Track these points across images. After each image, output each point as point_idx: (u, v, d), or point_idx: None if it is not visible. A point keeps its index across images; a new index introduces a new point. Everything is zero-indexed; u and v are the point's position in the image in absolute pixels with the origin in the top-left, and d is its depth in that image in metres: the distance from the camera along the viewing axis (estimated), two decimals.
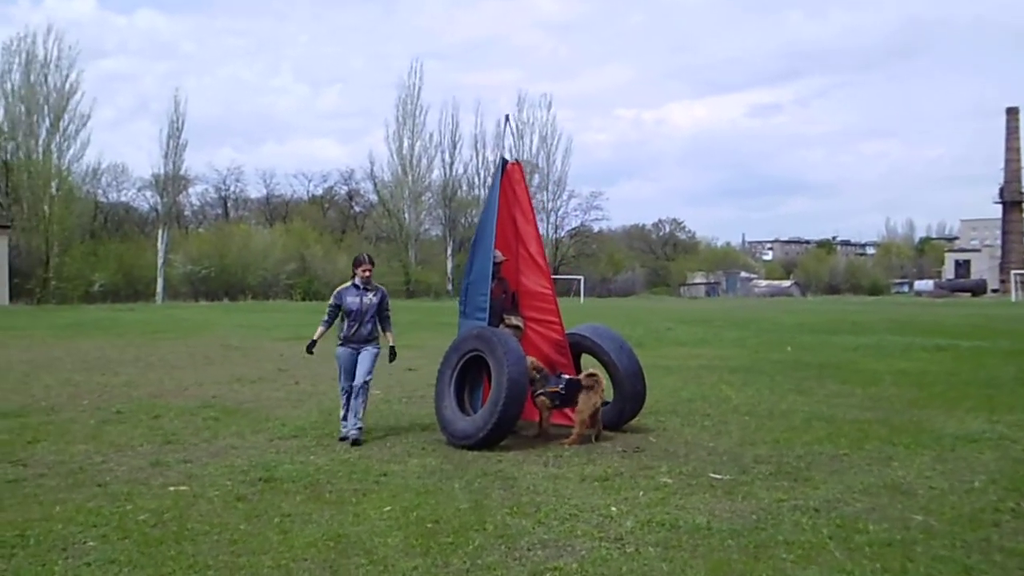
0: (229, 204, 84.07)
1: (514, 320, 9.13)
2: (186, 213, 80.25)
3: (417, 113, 69.10)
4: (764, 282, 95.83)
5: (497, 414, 7.94)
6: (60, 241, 56.21)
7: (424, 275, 67.75)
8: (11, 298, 46.24)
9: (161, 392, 12.29)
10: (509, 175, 9.34)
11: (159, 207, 65.28)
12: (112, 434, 8.95)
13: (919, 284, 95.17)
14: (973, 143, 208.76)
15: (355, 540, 5.28)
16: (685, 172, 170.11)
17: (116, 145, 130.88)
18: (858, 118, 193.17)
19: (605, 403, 8.75)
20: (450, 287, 68.47)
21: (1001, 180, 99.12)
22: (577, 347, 9.45)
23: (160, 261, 60.61)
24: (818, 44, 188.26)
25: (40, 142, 56.36)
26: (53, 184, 55.53)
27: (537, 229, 9.59)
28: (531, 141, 76.18)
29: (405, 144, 68.81)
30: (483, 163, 74.40)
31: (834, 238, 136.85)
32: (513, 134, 12.49)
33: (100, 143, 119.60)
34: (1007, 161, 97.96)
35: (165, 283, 60.72)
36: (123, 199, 75.22)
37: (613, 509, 6.04)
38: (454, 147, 72.07)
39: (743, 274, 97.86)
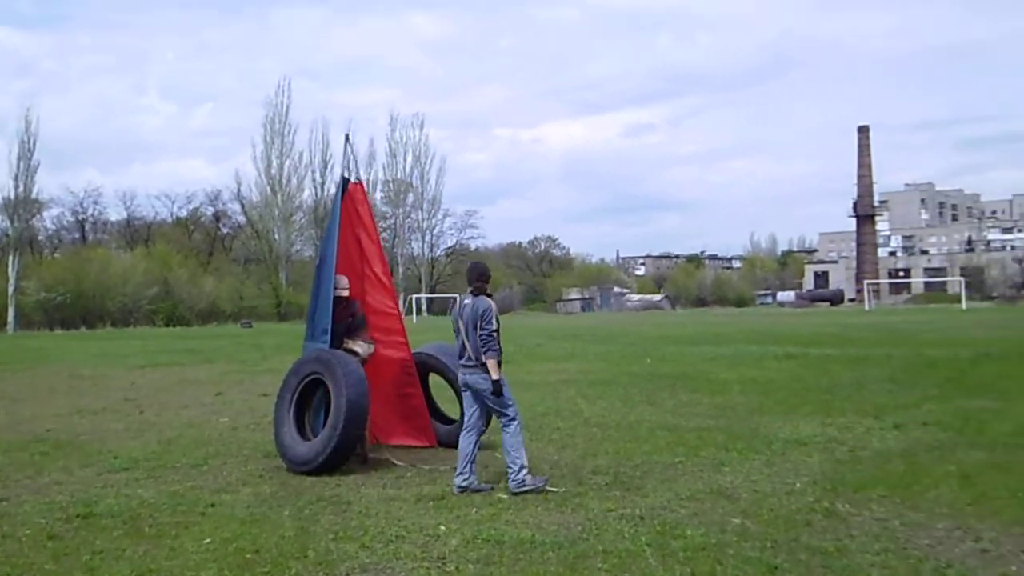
0: (87, 228, 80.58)
1: (351, 344, 8.95)
2: (40, 238, 76.47)
3: (286, 132, 68.16)
4: (636, 296, 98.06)
5: (336, 438, 7.81)
6: None
7: (296, 297, 66.46)
8: None
9: None
10: (351, 195, 9.25)
11: (9, 231, 61.93)
12: None
13: (781, 295, 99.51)
14: (833, 160, 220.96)
15: (165, 575, 5.07)
16: (562, 190, 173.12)
17: None
18: (727, 137, 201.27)
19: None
20: None
21: (855, 195, 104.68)
22: (424, 366, 9.41)
23: (11, 288, 57.53)
24: (689, 65, 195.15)
25: None
26: None
27: (381, 248, 9.53)
28: (404, 160, 76.18)
29: (274, 164, 67.66)
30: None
31: (702, 253, 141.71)
32: (354, 154, 12.62)
33: None
34: (859, 176, 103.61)
35: (17, 311, 57.65)
36: None
37: (442, 528, 6.02)
38: (325, 166, 71.22)
39: (616, 289, 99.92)
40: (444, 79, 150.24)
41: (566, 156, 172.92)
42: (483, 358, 7.19)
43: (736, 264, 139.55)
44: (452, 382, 9.22)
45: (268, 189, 67.84)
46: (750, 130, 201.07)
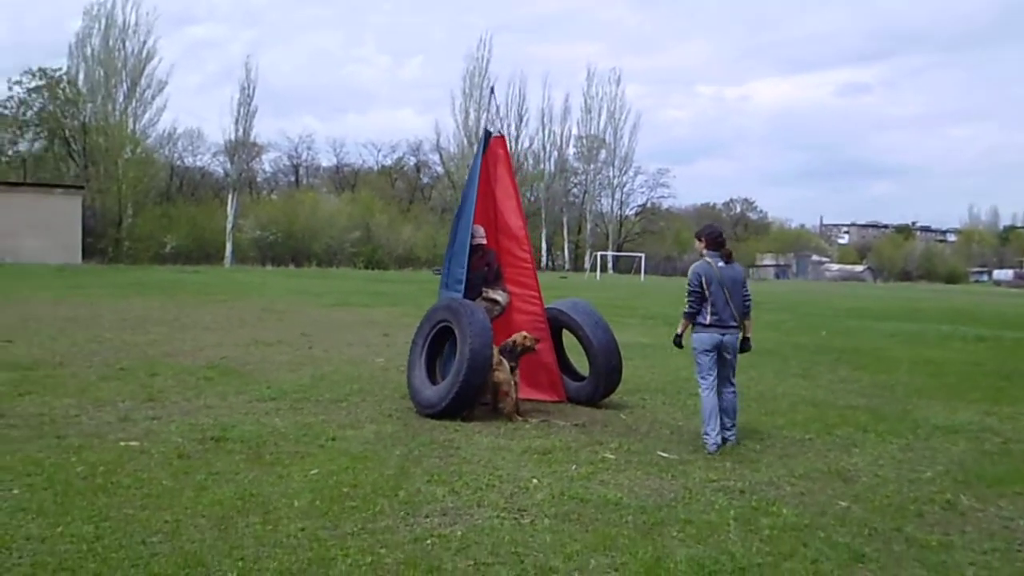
0: (301, 172, 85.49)
1: (492, 294, 9.16)
2: (259, 179, 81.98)
3: (484, 85, 69.17)
4: (836, 266, 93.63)
5: (458, 385, 8.01)
6: (133, 203, 58.07)
7: None
8: (84, 257, 47.80)
9: (176, 352, 12.63)
10: (492, 149, 9.35)
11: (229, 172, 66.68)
12: (103, 389, 9.26)
13: (998, 273, 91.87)
14: None
15: (262, 500, 5.41)
16: (765, 151, 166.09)
17: (200, 110, 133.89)
18: (948, 100, 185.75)
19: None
20: None
21: None
22: (555, 322, 9.45)
23: (229, 226, 62.06)
24: (912, 22, 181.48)
25: (117, 106, 58.08)
26: (127, 147, 57.18)
27: (519, 202, 9.60)
28: (599, 116, 75.76)
29: (471, 117, 69.05)
30: (549, 136, 74.29)
31: (913, 223, 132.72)
32: (498, 106, 12.51)
33: (187, 108, 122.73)
34: None
35: (234, 247, 62.18)
36: (199, 164, 77.09)
37: (535, 481, 6.08)
38: (520, 120, 72.06)
39: (814, 257, 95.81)
40: (649, 34, 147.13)
41: (772, 116, 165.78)
42: (743, 319, 7.65)
43: (951, 237, 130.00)
44: (581, 339, 9.24)
45: (465, 141, 69.44)
46: (974, 94, 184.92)
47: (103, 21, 58.12)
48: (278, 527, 4.93)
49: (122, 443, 6.84)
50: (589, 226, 75.59)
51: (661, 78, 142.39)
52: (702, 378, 7.66)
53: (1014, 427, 8.83)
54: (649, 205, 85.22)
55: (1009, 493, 6.31)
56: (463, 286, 8.90)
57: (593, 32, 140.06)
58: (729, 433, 7.70)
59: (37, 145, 61.68)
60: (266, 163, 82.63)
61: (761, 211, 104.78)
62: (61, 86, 58.75)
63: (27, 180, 52.25)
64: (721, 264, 7.60)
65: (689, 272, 7.69)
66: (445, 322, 8.54)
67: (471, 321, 8.15)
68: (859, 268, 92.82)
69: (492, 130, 9.39)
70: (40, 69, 58.33)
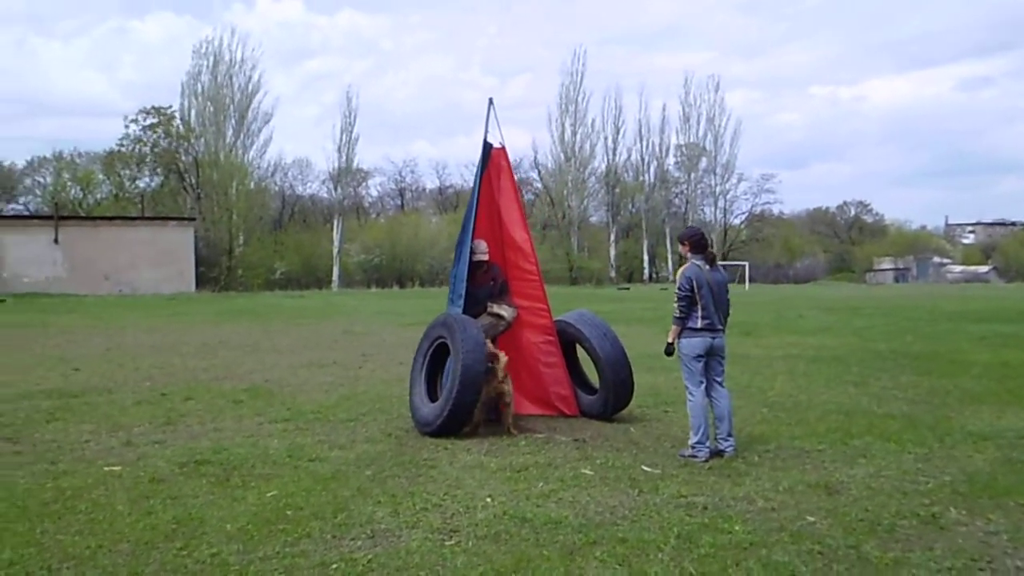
0: (406, 195, 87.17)
1: (496, 308, 9.02)
2: (366, 204, 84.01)
3: (580, 100, 69.10)
4: (958, 267, 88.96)
5: (451, 402, 7.89)
6: (244, 231, 60.35)
7: (587, 262, 67.78)
8: (197, 286, 49.83)
9: (227, 375, 12.92)
10: (494, 160, 9.23)
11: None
12: (130, 415, 9.51)
13: None
14: None
15: (197, 524, 5.39)
16: (883, 152, 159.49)
17: (319, 140, 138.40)
18: None
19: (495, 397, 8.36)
20: (613, 274, 68.22)
21: None
22: (563, 335, 9.22)
23: (336, 250, 63.71)
24: None
25: (226, 139, 60.55)
26: (236, 179, 59.50)
27: (523, 214, 9.44)
28: (697, 124, 74.53)
29: (567, 131, 69.01)
30: (648, 147, 73.51)
31: None
32: (497, 117, 12.36)
33: (308, 138, 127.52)
34: None
35: (341, 271, 63.77)
36: (309, 191, 79.55)
37: (488, 500, 5.90)
38: (617, 132, 71.59)
39: (935, 259, 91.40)
40: (756, 38, 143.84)
41: (890, 115, 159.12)
42: (725, 323, 7.61)
43: None
44: (589, 351, 9.00)
45: (562, 156, 69.47)
46: None
47: (211, 59, 60.79)
48: (193, 552, 4.90)
49: (106, 468, 6.97)
50: None
51: (772, 82, 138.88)
52: (693, 385, 7.41)
53: None
54: (758, 212, 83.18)
55: (1010, 505, 5.80)
56: (463, 301, 8.79)
57: (700, 41, 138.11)
58: (726, 444, 7.37)
59: (155, 181, 65.02)
60: (372, 188, 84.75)
61: (877, 213, 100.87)
62: (174, 123, 61.72)
63: (144, 215, 54.90)
64: (706, 267, 7.42)
65: (679, 277, 7.50)
66: (442, 339, 8.45)
67: (464, 337, 8.02)
68: (983, 269, 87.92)
69: (493, 142, 9.25)
70: (154, 107, 61.47)
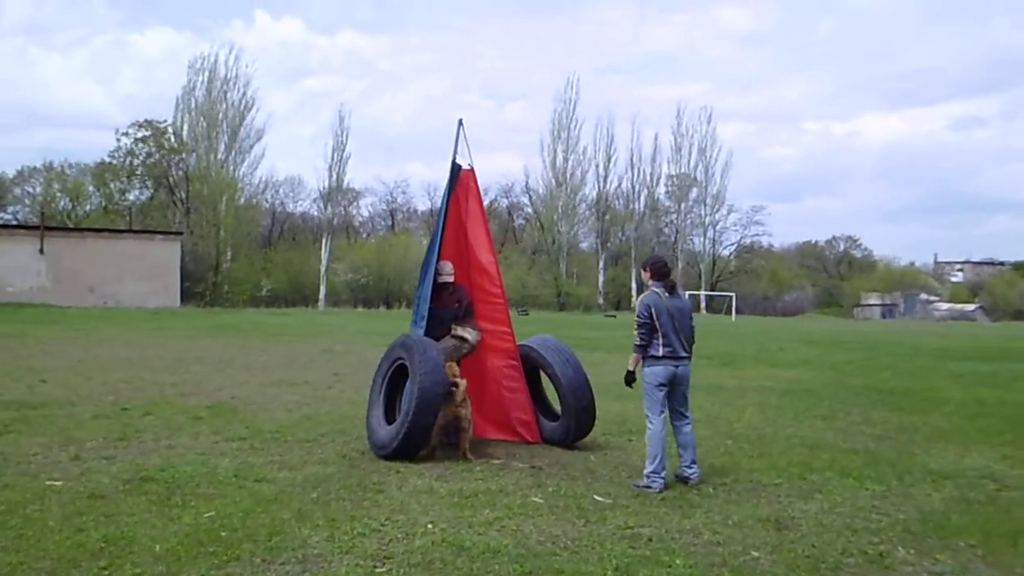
0: (397, 216, 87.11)
1: (460, 331, 8.91)
2: (356, 223, 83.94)
3: (572, 127, 69.37)
4: (945, 305, 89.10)
5: (407, 424, 7.76)
6: (232, 247, 60.20)
7: (576, 288, 67.75)
8: (182, 300, 49.59)
9: (194, 391, 12.75)
10: (462, 182, 9.16)
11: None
12: (85, 429, 9.32)
13: None
14: None
15: (125, 544, 5.23)
16: (875, 188, 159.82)
17: (312, 158, 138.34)
18: None
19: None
20: (601, 300, 68.18)
21: None
22: (525, 360, 9.12)
23: (323, 269, 63.55)
24: None
25: (218, 155, 60.53)
26: (226, 194, 59.41)
27: (490, 237, 9.36)
28: (689, 154, 74.82)
29: (559, 157, 69.20)
30: (639, 176, 73.74)
31: None
32: (467, 139, 12.26)
33: (302, 156, 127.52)
34: None
35: (328, 290, 63.57)
36: (300, 209, 79.44)
37: (428, 527, 5.77)
38: (608, 160, 71.81)
39: (923, 296, 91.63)
40: (753, 71, 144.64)
41: (882, 151, 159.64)
42: (689, 352, 7.47)
43: None
44: (551, 376, 8.90)
45: (553, 182, 69.65)
46: None
47: (206, 74, 60.92)
48: (115, 572, 4.75)
49: (47, 483, 6.81)
50: (681, 265, 74.36)
51: (766, 115, 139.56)
52: (654, 414, 7.30)
53: (1022, 473, 8.03)
54: (747, 243, 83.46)
55: (960, 545, 5.70)
56: (424, 322, 8.69)
57: (695, 72, 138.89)
58: (691, 471, 7.30)
59: (144, 194, 64.87)
60: (364, 208, 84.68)
61: (866, 249, 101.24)
62: (166, 136, 61.66)
63: (131, 228, 54.70)
64: (665, 294, 7.36)
65: (637, 305, 7.48)
66: (402, 360, 8.34)
67: (423, 359, 7.91)
68: (970, 307, 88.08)
69: (462, 163, 9.18)
70: (146, 121, 61.44)
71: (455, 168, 9.11)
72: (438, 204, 9.20)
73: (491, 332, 9.10)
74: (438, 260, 8.90)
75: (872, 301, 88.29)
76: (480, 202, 9.31)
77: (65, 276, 44.04)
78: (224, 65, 60.94)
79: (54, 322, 29.88)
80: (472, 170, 9.23)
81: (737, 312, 61.88)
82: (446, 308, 8.98)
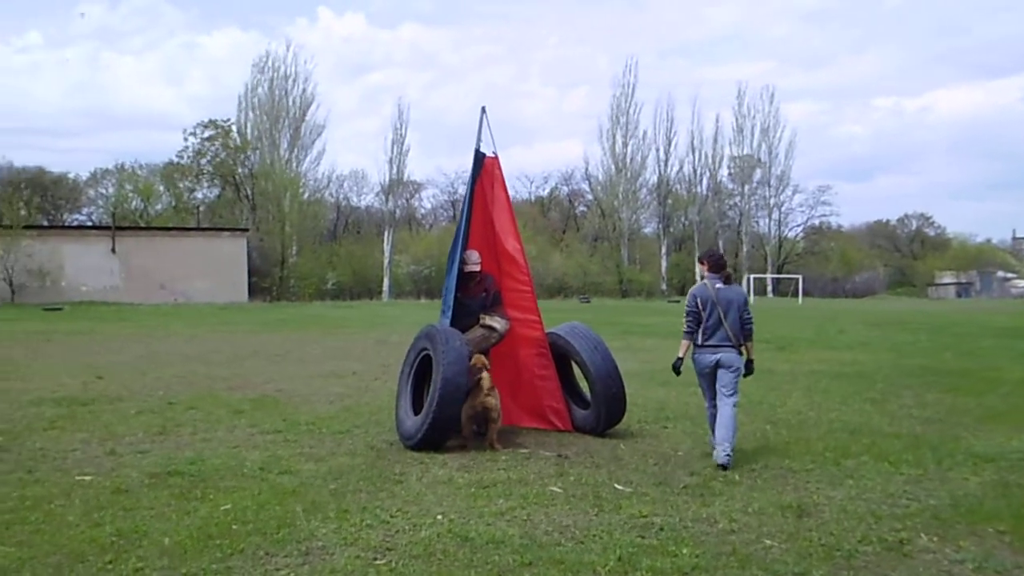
0: (457, 207, 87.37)
1: (489, 320, 8.87)
2: (419, 215, 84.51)
3: (631, 111, 68.64)
4: (1023, 282, 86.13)
5: (431, 415, 7.76)
6: (297, 242, 61.13)
7: (638, 275, 67.14)
8: (250, 296, 50.55)
9: (242, 385, 12.93)
10: (487, 169, 9.10)
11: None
12: (128, 424, 9.51)
13: None
14: None
15: (137, 538, 5.30)
16: (949, 163, 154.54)
17: (376, 152, 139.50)
18: None
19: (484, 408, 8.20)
20: (664, 286, 67.48)
21: None
22: (555, 348, 9.03)
23: (386, 261, 64.12)
24: None
25: (280, 151, 61.46)
26: (290, 190, 60.31)
27: (515, 224, 9.28)
28: (751, 135, 73.47)
29: (618, 143, 68.57)
30: (701, 159, 72.70)
31: None
32: (490, 127, 12.03)
33: (368, 151, 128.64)
34: None
35: (392, 282, 64.13)
36: (364, 203, 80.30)
37: (439, 517, 5.75)
38: (669, 143, 70.86)
39: (999, 273, 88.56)
40: (819, 48, 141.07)
41: (956, 126, 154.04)
42: (742, 339, 7.60)
43: None
44: (580, 364, 8.81)
45: (612, 168, 69.01)
46: None
47: (269, 72, 61.81)
48: (118, 566, 4.81)
49: (77, 477, 6.97)
50: (746, 248, 73.13)
51: (836, 93, 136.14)
52: (706, 399, 7.80)
53: None
54: (815, 224, 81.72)
55: (988, 531, 5.48)
56: (451, 312, 8.67)
57: (758, 51, 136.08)
58: (720, 450, 7.35)
59: (212, 192, 66.30)
60: (426, 200, 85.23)
61: (939, 227, 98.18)
62: (231, 135, 62.85)
63: (199, 225, 55.90)
64: (719, 286, 7.64)
65: (688, 295, 7.76)
66: (427, 350, 8.33)
67: (446, 349, 7.89)
68: None
69: (486, 151, 9.12)
70: (211, 120, 62.67)
71: (479, 156, 9.05)
72: None
73: (520, 320, 9.04)
74: (464, 249, 8.85)
75: (946, 280, 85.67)
76: (505, 189, 9.24)
77: (136, 274, 45.26)
78: (285, 63, 61.77)
79: (124, 319, 30.71)
80: (496, 157, 9.16)
81: (804, 294, 60.60)
82: (473, 297, 8.95)
